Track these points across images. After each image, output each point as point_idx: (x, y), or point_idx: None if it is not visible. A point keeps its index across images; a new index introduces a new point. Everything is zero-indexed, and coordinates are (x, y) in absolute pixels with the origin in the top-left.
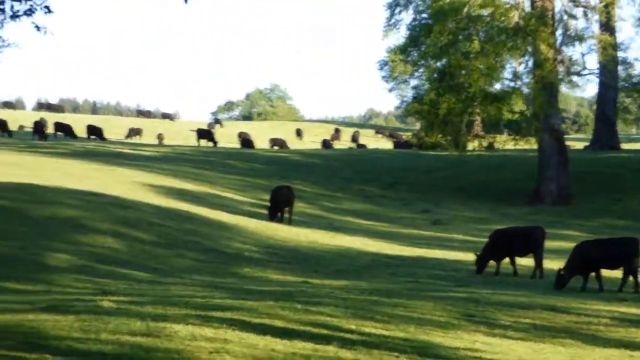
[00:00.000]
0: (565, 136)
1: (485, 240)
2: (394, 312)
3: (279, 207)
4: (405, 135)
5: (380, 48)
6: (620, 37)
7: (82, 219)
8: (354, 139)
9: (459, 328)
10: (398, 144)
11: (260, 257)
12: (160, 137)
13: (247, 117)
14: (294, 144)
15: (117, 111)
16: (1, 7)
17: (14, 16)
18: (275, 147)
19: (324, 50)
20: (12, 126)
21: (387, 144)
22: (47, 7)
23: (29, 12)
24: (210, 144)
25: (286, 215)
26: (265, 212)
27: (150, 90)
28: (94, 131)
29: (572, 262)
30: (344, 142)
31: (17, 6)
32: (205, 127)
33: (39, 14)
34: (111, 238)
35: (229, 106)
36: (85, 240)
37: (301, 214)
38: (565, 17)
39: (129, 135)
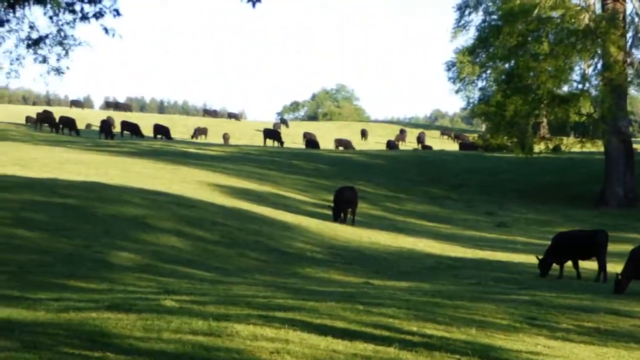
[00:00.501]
0: (633, 139)
1: (549, 243)
2: (456, 315)
3: (342, 208)
4: (471, 137)
5: (448, 49)
6: None
7: (146, 217)
8: (420, 140)
9: (520, 331)
10: (464, 146)
11: (322, 258)
12: (226, 136)
13: (312, 118)
14: (358, 144)
15: (184, 110)
16: (71, 8)
17: (84, 18)
18: (341, 148)
19: (391, 51)
20: (80, 125)
21: (452, 146)
22: (116, 10)
23: (99, 14)
24: (277, 144)
25: (349, 216)
26: (328, 212)
27: (217, 90)
28: (161, 130)
29: (629, 266)
30: (409, 143)
31: (87, 8)
32: (270, 127)
33: (108, 17)
34: (175, 237)
35: (295, 106)
36: (149, 239)
37: (364, 215)
38: (636, 19)
39: (195, 135)
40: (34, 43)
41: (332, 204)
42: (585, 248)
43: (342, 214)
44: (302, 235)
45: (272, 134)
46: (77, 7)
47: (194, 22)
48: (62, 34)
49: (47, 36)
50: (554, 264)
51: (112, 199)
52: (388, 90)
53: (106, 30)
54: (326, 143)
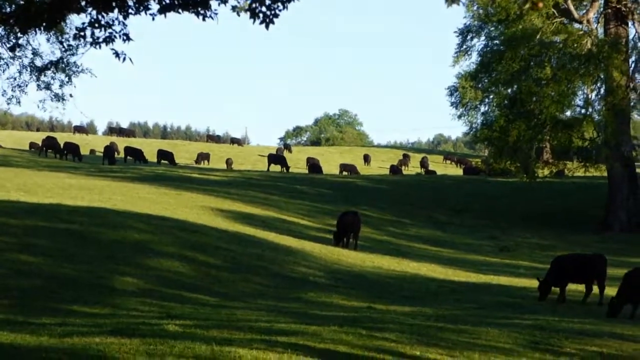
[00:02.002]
0: (636, 163)
1: None
2: (459, 339)
3: (345, 233)
4: (474, 162)
5: (450, 74)
6: None
7: (149, 242)
8: (423, 164)
9: (524, 355)
10: (467, 170)
11: (325, 282)
12: (228, 161)
13: (315, 143)
14: (361, 169)
15: (187, 136)
16: (82, 33)
17: (94, 43)
18: (345, 173)
19: (394, 77)
20: (84, 150)
21: (455, 170)
22: (126, 34)
23: (109, 39)
24: (282, 169)
25: (352, 240)
26: (331, 237)
27: (219, 115)
28: (165, 156)
29: (623, 289)
30: (412, 168)
31: (98, 33)
32: (274, 152)
33: (118, 42)
34: (178, 262)
35: (298, 131)
36: (152, 264)
37: (367, 239)
38: (639, 43)
39: (198, 160)
40: (39, 71)
41: (334, 229)
42: (584, 272)
43: (344, 239)
44: (305, 260)
45: (277, 159)
46: (88, 32)
47: (197, 47)
48: (65, 60)
49: (56, 62)
50: (554, 288)
51: (116, 224)
52: (391, 115)
53: (117, 54)
54: (329, 168)
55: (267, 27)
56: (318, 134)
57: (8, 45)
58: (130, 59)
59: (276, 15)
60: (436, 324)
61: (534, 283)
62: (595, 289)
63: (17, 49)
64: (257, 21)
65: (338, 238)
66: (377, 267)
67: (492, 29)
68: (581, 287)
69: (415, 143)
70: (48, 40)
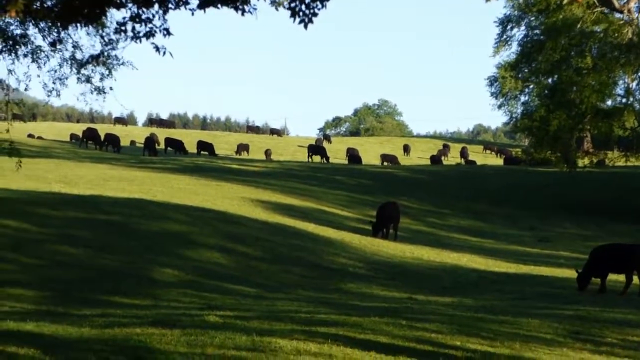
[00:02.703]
0: None
1: None
2: (500, 329)
3: (384, 224)
4: (514, 152)
5: (490, 64)
6: None
7: (189, 234)
8: (463, 154)
9: (565, 345)
10: (507, 160)
11: (365, 273)
12: (268, 152)
13: (354, 133)
14: (401, 160)
15: (227, 127)
16: (123, 28)
17: (135, 37)
18: (386, 163)
19: (434, 67)
20: (124, 142)
21: (495, 160)
22: (166, 29)
23: (149, 34)
24: (322, 159)
25: (392, 231)
26: (370, 228)
27: (259, 106)
28: (205, 147)
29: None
30: (452, 158)
31: (138, 27)
32: (313, 142)
33: (159, 36)
34: (218, 253)
35: (337, 122)
36: (193, 255)
37: (407, 230)
38: None
39: (238, 151)
40: (80, 64)
41: (374, 220)
42: (623, 262)
43: (383, 230)
44: (344, 251)
45: (317, 149)
46: (129, 27)
47: (236, 39)
48: (106, 54)
49: (97, 56)
50: (594, 278)
51: (156, 216)
52: (430, 105)
53: (157, 48)
54: (368, 158)
55: (305, 26)
56: (357, 125)
57: (49, 40)
58: (171, 53)
59: (315, 14)
60: (477, 314)
61: (574, 274)
62: (636, 279)
63: (58, 44)
64: (297, 20)
65: (377, 229)
66: (417, 258)
67: (533, 18)
68: (622, 278)
69: (455, 133)
70: (88, 34)
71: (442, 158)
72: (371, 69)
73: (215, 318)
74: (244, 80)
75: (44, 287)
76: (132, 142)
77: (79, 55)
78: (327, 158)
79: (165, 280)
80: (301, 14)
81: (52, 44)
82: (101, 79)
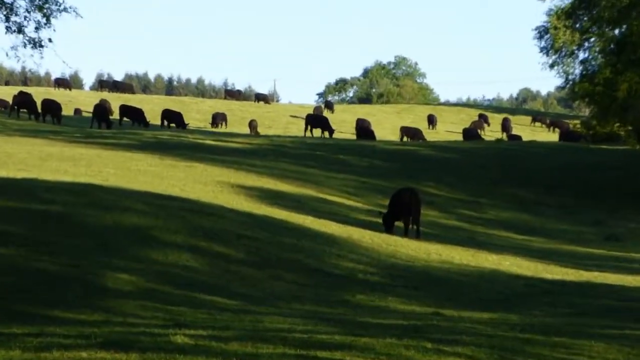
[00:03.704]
0: None
1: None
2: (553, 355)
3: (399, 216)
4: (571, 124)
5: (538, 11)
6: None
7: (151, 229)
8: (505, 127)
9: None
10: (563, 135)
11: (378, 281)
12: (253, 124)
13: (364, 100)
14: (425, 134)
15: (199, 91)
16: None
17: None
18: (406, 138)
19: (464, 15)
20: (67, 110)
21: (547, 135)
22: None
23: None
24: (322, 133)
25: (412, 226)
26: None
27: (240, 64)
28: (172, 117)
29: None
30: (490, 132)
31: None
32: (311, 112)
33: None
34: (188, 254)
35: (341, 85)
36: (155, 257)
37: (433, 225)
38: None
39: (214, 123)
40: (9, 9)
41: (384, 211)
42: None
43: (408, 225)
44: (352, 252)
45: (317, 120)
46: None
47: None
48: None
49: None
50: None
51: (108, 205)
52: (462, 64)
53: None
54: (383, 132)
55: None
56: (368, 89)
57: None
58: None
59: None
60: (523, 335)
61: None
62: None
63: None
64: None
65: (390, 222)
66: (446, 262)
67: None
68: None
69: (495, 100)
70: None
71: (478, 132)
72: (384, 16)
73: (184, 339)
74: (221, 31)
75: None
76: (77, 111)
77: None
78: (331, 132)
79: (120, 289)
80: None
81: None
82: (37, 29)
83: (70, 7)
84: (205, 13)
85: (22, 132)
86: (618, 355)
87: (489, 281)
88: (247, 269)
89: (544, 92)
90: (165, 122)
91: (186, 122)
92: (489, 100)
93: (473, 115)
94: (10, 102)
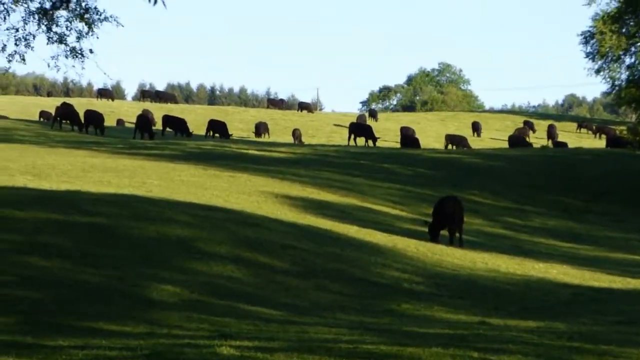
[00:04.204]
0: None
1: None
2: None
3: (444, 224)
4: (618, 130)
5: (584, 15)
6: None
7: (195, 240)
8: (550, 134)
9: None
10: (610, 141)
11: (424, 290)
12: (296, 133)
13: (407, 108)
14: (470, 141)
15: (241, 100)
16: None
17: None
18: (451, 146)
19: (509, 20)
20: (110, 121)
21: (593, 142)
22: None
23: None
24: (366, 142)
25: (456, 235)
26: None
27: (283, 73)
28: (217, 127)
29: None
30: (536, 139)
31: None
32: (354, 120)
33: None
34: (232, 265)
35: (385, 93)
36: (200, 268)
37: (478, 234)
38: None
39: (257, 132)
40: (49, 18)
41: (429, 220)
42: None
43: (454, 233)
44: (397, 261)
45: (360, 129)
46: None
47: None
48: (84, 4)
49: (70, 2)
50: None
51: (152, 217)
52: (506, 70)
53: None
54: (427, 140)
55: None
56: (412, 96)
57: None
58: (163, 2)
59: None
60: (570, 343)
61: None
62: None
63: None
64: None
65: (435, 231)
66: (492, 270)
67: None
68: None
69: (540, 106)
70: None
71: (525, 138)
72: (427, 23)
73: (230, 350)
74: (264, 40)
75: (7, 310)
76: (120, 122)
77: (48, 6)
78: (374, 140)
79: (165, 301)
80: None
81: None
82: (78, 39)
83: (111, 16)
84: (247, 22)
85: (65, 143)
86: None
87: (536, 289)
88: (291, 280)
89: (589, 98)
90: (212, 133)
91: (230, 132)
92: (534, 106)
93: (518, 122)
94: (53, 113)
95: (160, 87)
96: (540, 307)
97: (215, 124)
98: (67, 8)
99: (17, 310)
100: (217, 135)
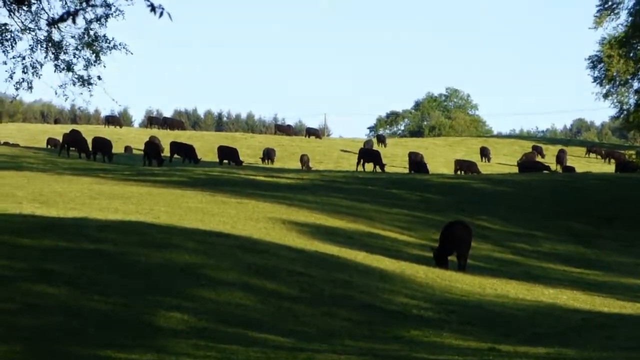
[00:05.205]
0: None
1: None
2: None
3: (451, 249)
4: (627, 154)
5: (591, 39)
6: None
7: (203, 267)
8: (559, 159)
9: None
10: (619, 166)
11: (433, 316)
12: (304, 159)
13: (415, 133)
14: (478, 166)
15: (249, 126)
16: None
17: None
18: (460, 172)
19: (516, 45)
20: (117, 148)
21: (602, 166)
22: None
23: None
24: (374, 167)
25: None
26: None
27: (290, 99)
28: (227, 153)
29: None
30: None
31: None
32: (362, 146)
33: None
34: (240, 292)
35: (393, 118)
36: (207, 295)
37: (488, 259)
38: None
39: (264, 158)
40: (58, 48)
41: (435, 245)
42: None
43: (465, 259)
44: (405, 287)
45: (369, 155)
46: None
47: (259, 13)
48: (92, 33)
49: (75, 13)
50: None
51: (159, 244)
52: (514, 95)
53: (153, 7)
54: (435, 165)
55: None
56: (419, 122)
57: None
58: (169, 15)
59: None
60: None
61: None
62: None
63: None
64: None
65: (441, 257)
66: (501, 296)
67: None
68: None
69: (549, 131)
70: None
71: (539, 163)
72: (434, 48)
73: None
74: (271, 66)
75: (12, 338)
76: (128, 148)
77: (56, 37)
78: (382, 166)
79: (172, 328)
80: None
81: (18, 1)
82: (86, 66)
83: (120, 44)
84: (253, 47)
85: (73, 170)
86: None
87: (546, 315)
88: (300, 306)
89: (598, 123)
90: (223, 160)
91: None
92: (542, 131)
93: (527, 147)
94: (61, 140)
95: (168, 113)
96: (550, 333)
97: (226, 150)
98: (74, 21)
99: (23, 337)
100: (226, 161)
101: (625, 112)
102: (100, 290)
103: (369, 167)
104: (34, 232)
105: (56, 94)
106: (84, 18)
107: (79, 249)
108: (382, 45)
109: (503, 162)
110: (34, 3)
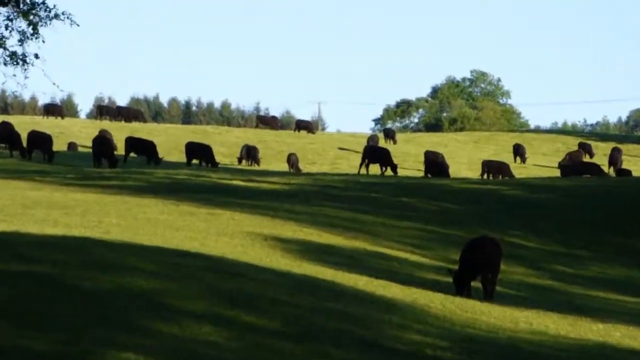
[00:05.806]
0: None
1: None
2: None
3: (475, 272)
4: None
5: None
6: None
7: (164, 294)
8: (612, 160)
9: None
10: None
11: (452, 358)
12: (292, 159)
13: (432, 127)
14: (512, 168)
15: (223, 118)
16: None
17: None
18: (489, 175)
19: (558, 19)
20: (59, 144)
21: None
22: None
23: None
24: (381, 169)
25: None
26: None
27: (276, 85)
28: (198, 151)
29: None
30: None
31: None
32: (364, 141)
33: None
34: (210, 326)
35: (404, 108)
36: (169, 330)
37: (520, 286)
38: None
39: (243, 157)
40: None
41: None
42: None
43: (495, 284)
44: (418, 321)
45: (377, 154)
46: None
47: None
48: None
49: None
50: None
51: (109, 265)
52: (556, 81)
53: None
54: (457, 167)
55: None
56: (438, 113)
57: None
58: None
59: None
60: None
61: None
62: None
63: None
64: None
65: (463, 283)
66: (538, 332)
67: None
68: None
69: (599, 124)
70: None
71: (579, 166)
72: (457, 22)
73: None
74: (251, 43)
75: None
76: (72, 145)
77: None
78: (395, 167)
79: None
80: None
81: None
82: (21, 41)
83: (63, 13)
84: (230, 23)
85: (2, 172)
86: None
87: (595, 356)
88: (284, 343)
89: None
90: (193, 160)
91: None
92: (591, 125)
93: (571, 144)
94: None
95: (122, 101)
96: None
97: (196, 147)
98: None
99: None
100: (196, 162)
101: None
102: (35, 323)
103: (375, 168)
104: None
105: None
106: None
107: (9, 272)
108: (390, 18)
109: (542, 163)
110: None
